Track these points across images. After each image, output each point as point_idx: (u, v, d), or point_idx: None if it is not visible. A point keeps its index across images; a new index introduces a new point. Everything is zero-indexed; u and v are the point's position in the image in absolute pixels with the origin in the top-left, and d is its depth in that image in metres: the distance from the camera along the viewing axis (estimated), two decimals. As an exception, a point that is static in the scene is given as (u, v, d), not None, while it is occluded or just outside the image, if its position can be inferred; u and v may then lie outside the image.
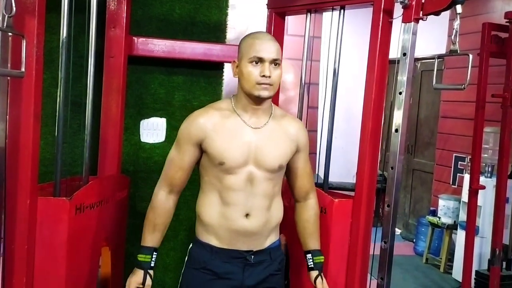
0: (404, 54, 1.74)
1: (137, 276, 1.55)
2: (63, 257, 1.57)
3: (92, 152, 2.04)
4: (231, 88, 5.80)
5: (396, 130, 1.77)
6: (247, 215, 1.54)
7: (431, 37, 4.87)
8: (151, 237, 1.57)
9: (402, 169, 5.45)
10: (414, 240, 4.77)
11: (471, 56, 1.56)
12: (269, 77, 1.47)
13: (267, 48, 1.49)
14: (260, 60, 1.48)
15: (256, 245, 1.59)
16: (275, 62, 1.50)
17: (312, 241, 1.70)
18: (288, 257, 2.01)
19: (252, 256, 1.58)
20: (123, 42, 2.00)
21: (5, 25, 1.28)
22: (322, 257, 1.70)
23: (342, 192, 2.04)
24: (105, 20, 2.00)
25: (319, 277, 1.66)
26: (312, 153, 6.30)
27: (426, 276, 4.00)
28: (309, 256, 1.69)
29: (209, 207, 1.57)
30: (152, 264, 1.57)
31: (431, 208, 4.53)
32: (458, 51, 1.59)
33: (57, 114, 1.71)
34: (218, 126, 1.52)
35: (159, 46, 2.13)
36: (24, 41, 1.31)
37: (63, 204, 1.56)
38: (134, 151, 2.24)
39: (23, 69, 1.31)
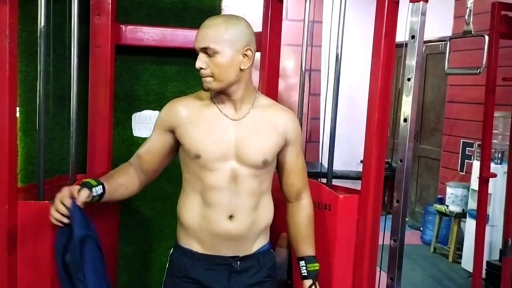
0: (413, 37, 1.61)
1: (73, 188, 1.34)
2: (48, 265, 1.45)
3: (81, 149, 1.94)
4: None
5: (405, 120, 1.64)
6: (230, 216, 1.40)
7: (436, 18, 4.71)
8: (103, 177, 1.45)
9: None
10: (421, 229, 4.67)
11: (487, 37, 1.42)
12: (201, 69, 1.36)
13: (199, 36, 1.36)
14: (196, 50, 1.38)
15: (242, 250, 1.45)
16: (207, 52, 1.34)
17: (305, 247, 1.55)
18: (291, 257, 1.90)
19: (238, 262, 1.45)
20: (109, 30, 1.86)
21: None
22: (317, 264, 1.55)
23: (346, 187, 1.91)
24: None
25: (313, 287, 1.52)
26: (315, 141, 6.19)
27: (434, 266, 3.89)
28: (302, 263, 1.54)
29: (189, 208, 1.44)
30: (94, 192, 1.36)
31: (439, 196, 4.41)
32: (472, 32, 1.45)
33: (37, 109, 1.59)
34: (195, 115, 1.41)
35: (149, 34, 1.99)
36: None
37: (46, 208, 1.44)
38: (126, 147, 2.11)
39: (-9, 63, 1.18)
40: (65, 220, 1.29)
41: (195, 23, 2.14)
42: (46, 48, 1.57)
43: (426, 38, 5.12)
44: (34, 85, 1.97)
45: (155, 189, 2.15)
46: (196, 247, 1.44)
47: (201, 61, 1.35)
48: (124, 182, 1.47)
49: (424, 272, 3.72)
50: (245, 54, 1.38)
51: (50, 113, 1.95)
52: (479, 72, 1.39)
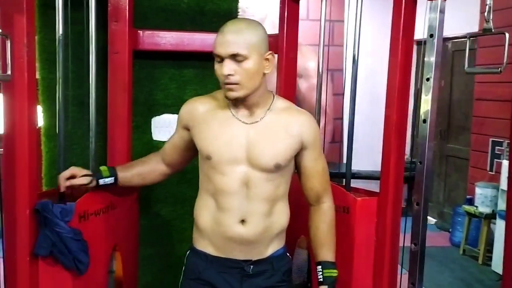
0: (431, 36, 1.56)
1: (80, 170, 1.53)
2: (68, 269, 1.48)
3: (102, 152, 1.97)
4: None
5: (424, 121, 1.60)
6: (242, 221, 1.39)
7: (463, 14, 4.59)
8: (121, 167, 1.59)
9: (435, 156, 5.16)
10: (450, 230, 4.55)
11: (507, 35, 1.37)
12: (230, 75, 1.30)
13: (225, 42, 1.29)
14: (220, 58, 1.32)
15: (255, 254, 1.44)
16: (236, 58, 1.30)
17: (323, 252, 1.50)
18: (310, 260, 1.88)
19: (251, 266, 1.44)
20: (127, 36, 1.88)
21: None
22: (335, 271, 1.49)
23: (366, 189, 1.88)
24: (108, 14, 1.90)
25: None
26: (338, 141, 6.12)
27: (463, 268, 3.79)
28: (319, 268, 1.49)
29: (203, 210, 1.45)
30: (101, 182, 1.53)
31: (468, 197, 4.29)
32: (492, 30, 1.40)
33: (57, 115, 1.62)
34: (209, 116, 1.41)
35: (166, 39, 2.01)
36: (9, 41, 1.21)
37: (65, 212, 1.47)
38: (146, 150, 2.13)
39: (9, 72, 1.21)
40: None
41: (212, 27, 2.16)
42: (64, 55, 1.60)
43: (452, 34, 5.01)
44: (55, 90, 2.03)
45: (175, 192, 2.17)
46: (209, 250, 1.45)
47: (228, 68, 1.29)
48: (142, 172, 1.58)
49: (452, 275, 3.63)
50: (267, 59, 1.37)
51: (72, 118, 2.01)
52: (500, 71, 1.34)
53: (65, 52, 1.94)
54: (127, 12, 1.88)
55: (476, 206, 3.96)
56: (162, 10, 2.12)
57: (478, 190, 3.96)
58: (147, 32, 1.98)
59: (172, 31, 2.03)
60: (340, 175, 5.23)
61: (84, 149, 1.99)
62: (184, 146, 1.52)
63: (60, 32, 1.56)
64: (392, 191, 1.67)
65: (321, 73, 2.00)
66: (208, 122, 1.40)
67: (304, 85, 5.07)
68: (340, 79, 5.31)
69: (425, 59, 1.58)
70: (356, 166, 5.54)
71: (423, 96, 1.59)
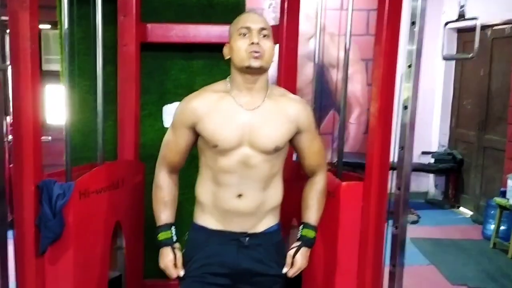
0: (413, 23, 1.59)
1: (167, 255, 1.55)
2: (71, 239, 1.65)
3: (115, 138, 2.14)
4: None
5: (405, 107, 1.63)
6: (239, 195, 1.51)
7: (503, 0, 4.42)
8: (165, 215, 1.59)
9: (472, 147, 5.02)
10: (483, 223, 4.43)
11: None
12: (258, 44, 1.44)
13: (253, 18, 1.48)
14: (248, 30, 1.45)
15: (250, 227, 1.55)
16: (264, 33, 1.46)
17: (308, 214, 1.63)
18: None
19: (247, 238, 1.55)
20: (134, 29, 2.03)
21: None
22: (313, 232, 1.61)
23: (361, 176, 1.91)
24: (118, 9, 2.05)
25: (296, 248, 1.59)
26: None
27: (491, 261, 3.70)
28: (300, 227, 1.63)
29: (204, 187, 1.57)
30: (175, 239, 1.58)
31: (502, 189, 4.16)
32: None
33: (64, 104, 1.79)
34: (212, 109, 1.50)
35: (173, 31, 2.14)
36: (7, 36, 1.37)
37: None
38: (157, 137, 2.26)
39: (8, 63, 1.38)
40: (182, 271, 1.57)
41: (220, 19, 2.27)
42: (70, 48, 1.76)
43: (490, 21, 4.86)
44: (74, 81, 2.22)
45: (185, 177, 2.29)
46: (209, 223, 1.57)
47: (257, 38, 1.44)
48: (176, 198, 1.64)
49: (478, 268, 3.55)
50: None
51: (89, 107, 2.19)
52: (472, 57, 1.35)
53: (81, 45, 2.15)
54: (135, 6, 2.03)
55: (508, 199, 3.83)
56: (172, 4, 2.25)
57: (509, 182, 3.84)
58: (154, 25, 2.12)
59: (179, 24, 2.16)
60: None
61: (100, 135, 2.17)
62: (190, 145, 1.58)
63: (66, 26, 1.71)
64: (376, 176, 1.71)
65: (347, 64, 1.96)
66: (212, 114, 1.50)
67: (337, 75, 5.09)
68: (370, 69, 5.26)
69: (407, 47, 1.60)
70: (390, 157, 5.47)
71: (404, 83, 1.62)
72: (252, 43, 1.43)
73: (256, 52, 1.43)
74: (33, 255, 1.61)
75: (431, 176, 5.68)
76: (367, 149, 1.75)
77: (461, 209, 5.28)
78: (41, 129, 1.62)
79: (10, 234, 1.64)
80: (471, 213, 5.04)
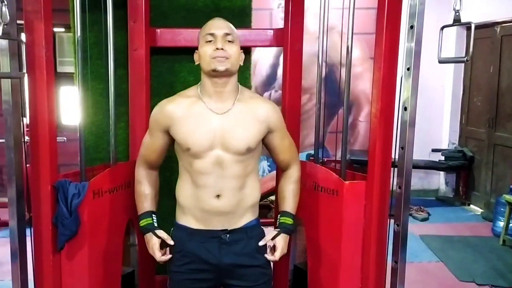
0: (412, 27, 1.63)
1: (150, 239, 1.64)
2: (86, 236, 1.73)
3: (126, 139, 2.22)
4: (262, 78, 5.72)
5: (405, 108, 1.67)
6: (218, 196, 1.58)
7: (513, -3, 4.41)
8: (145, 204, 1.69)
9: (482, 145, 5.00)
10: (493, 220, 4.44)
11: None
12: (222, 49, 1.51)
13: (218, 25, 1.56)
14: (213, 36, 1.54)
15: (231, 224, 1.62)
16: (228, 39, 1.53)
17: (284, 204, 1.72)
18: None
19: (227, 235, 1.62)
20: (144, 34, 2.11)
21: (10, 33, 1.43)
22: (290, 219, 1.69)
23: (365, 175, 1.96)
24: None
25: (275, 233, 1.66)
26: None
27: (500, 258, 3.71)
28: (278, 216, 1.72)
29: (183, 189, 1.64)
30: (156, 224, 1.67)
31: (511, 186, 4.17)
32: None
33: (78, 107, 1.87)
34: (184, 114, 1.57)
35: (181, 36, 2.21)
36: (23, 45, 1.45)
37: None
38: (167, 137, 2.37)
39: (24, 71, 1.46)
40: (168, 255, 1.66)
41: (226, 23, 2.33)
42: (82, 54, 1.83)
43: (500, 18, 4.83)
44: (90, 85, 2.30)
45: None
46: (190, 223, 1.64)
47: (221, 43, 1.52)
48: (156, 192, 1.75)
49: (487, 264, 3.57)
50: (241, 50, 1.59)
51: (101, 109, 2.27)
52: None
53: (94, 49, 2.23)
54: (144, 12, 2.10)
55: (516, 196, 3.85)
56: (180, 8, 2.32)
57: (519, 179, 3.85)
58: (163, 30, 2.19)
59: (186, 28, 2.23)
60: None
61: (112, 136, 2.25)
62: (165, 146, 1.68)
63: (78, 34, 1.80)
64: (378, 175, 1.76)
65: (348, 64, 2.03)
66: (185, 119, 1.58)
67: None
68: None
69: (406, 49, 1.65)
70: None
71: (404, 84, 1.67)
72: (217, 49, 1.51)
73: (221, 57, 1.51)
74: (50, 251, 1.69)
75: (442, 174, 5.69)
76: (369, 149, 1.80)
77: (472, 206, 5.28)
78: (56, 131, 1.70)
79: (28, 232, 1.72)
80: (481, 210, 5.05)
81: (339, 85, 5.07)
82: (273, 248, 1.66)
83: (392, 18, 1.70)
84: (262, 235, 1.69)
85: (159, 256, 1.64)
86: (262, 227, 1.73)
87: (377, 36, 1.73)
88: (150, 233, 1.65)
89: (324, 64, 2.13)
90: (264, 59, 5.15)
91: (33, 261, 1.72)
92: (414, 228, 4.43)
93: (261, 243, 1.66)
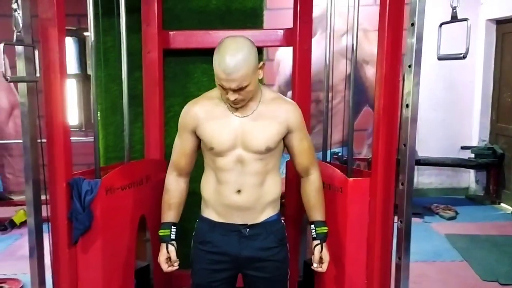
0: (412, 24, 1.64)
1: (162, 250, 1.72)
2: (99, 230, 1.82)
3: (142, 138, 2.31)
4: (285, 77, 5.67)
5: (407, 105, 1.68)
6: (238, 191, 1.63)
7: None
8: (168, 215, 1.74)
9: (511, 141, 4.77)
10: (522, 219, 4.32)
11: None
12: (236, 100, 1.54)
13: (229, 79, 1.49)
14: (224, 88, 1.53)
15: (250, 219, 1.67)
16: (239, 88, 1.50)
17: (315, 213, 1.73)
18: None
19: (247, 230, 1.67)
20: (157, 37, 2.19)
21: (23, 39, 1.53)
22: (325, 228, 1.71)
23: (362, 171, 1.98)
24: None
25: (319, 246, 1.69)
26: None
27: (527, 258, 3.62)
28: (312, 226, 1.73)
29: (207, 184, 1.71)
30: (173, 237, 1.72)
31: (542, 184, 4.04)
32: None
33: (92, 108, 1.96)
34: (209, 115, 1.63)
35: (193, 38, 2.28)
36: (36, 51, 1.55)
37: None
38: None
39: (37, 75, 1.55)
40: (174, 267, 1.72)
41: (238, 24, 2.39)
42: (96, 58, 1.92)
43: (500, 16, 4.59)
44: (107, 87, 2.41)
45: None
46: (213, 216, 1.71)
47: (235, 95, 1.52)
48: (182, 201, 1.78)
49: (511, 264, 3.49)
50: (260, 68, 1.59)
51: (119, 110, 2.37)
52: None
53: (111, 53, 2.33)
54: (156, 16, 2.19)
55: (546, 194, 3.73)
56: (193, 11, 2.40)
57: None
58: (176, 33, 2.26)
59: (199, 30, 2.30)
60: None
61: (130, 136, 2.34)
62: (195, 148, 1.72)
63: (92, 39, 1.89)
64: (382, 172, 1.77)
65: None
66: (209, 120, 1.64)
67: (371, 71, 5.08)
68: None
69: (407, 47, 1.66)
70: (427, 153, 5.41)
71: (406, 82, 1.67)
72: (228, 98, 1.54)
73: (234, 103, 1.55)
74: (66, 244, 1.79)
75: (472, 172, 5.56)
76: (372, 146, 1.81)
77: (502, 205, 5.14)
78: (70, 131, 1.79)
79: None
80: (511, 209, 4.91)
81: (370, 82, 5.06)
82: (320, 260, 1.70)
83: (395, 15, 1.71)
84: (282, 230, 1.75)
85: (166, 267, 1.71)
86: (282, 221, 1.77)
87: (379, 34, 1.74)
88: (164, 245, 1.71)
89: (349, 62, 2.12)
90: (288, 58, 5.16)
91: (51, 254, 1.82)
92: (440, 227, 4.37)
93: (314, 267, 1.70)
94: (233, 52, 1.49)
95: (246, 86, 1.52)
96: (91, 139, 4.13)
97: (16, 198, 4.88)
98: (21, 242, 3.89)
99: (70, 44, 4.79)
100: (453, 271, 3.41)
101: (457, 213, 4.82)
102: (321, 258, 1.70)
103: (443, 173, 5.59)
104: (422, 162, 4.96)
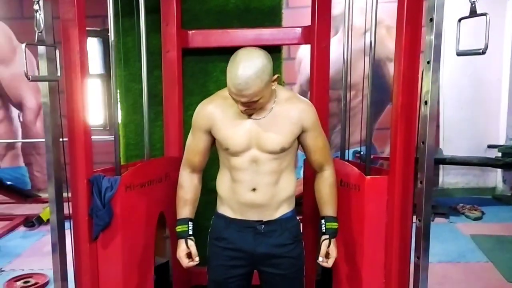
0: (431, 20, 1.61)
1: (181, 246, 1.73)
2: (118, 226, 1.86)
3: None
4: (307, 76, 5.61)
5: (426, 102, 1.65)
6: (253, 189, 1.64)
7: None
8: (184, 210, 1.75)
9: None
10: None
11: None
12: (245, 110, 1.55)
13: (240, 95, 1.50)
14: (236, 100, 1.54)
15: (266, 216, 1.68)
16: (250, 102, 1.51)
17: (326, 208, 1.72)
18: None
19: (262, 226, 1.68)
20: (176, 37, 2.21)
21: (44, 40, 1.58)
22: (335, 224, 1.70)
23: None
24: (162, 19, 2.24)
25: (326, 240, 1.68)
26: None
27: (555, 260, 3.51)
28: (322, 221, 1.72)
29: (222, 182, 1.72)
30: (190, 232, 1.73)
31: None
32: None
33: (112, 108, 2.00)
34: (224, 115, 1.64)
35: (212, 37, 2.30)
36: (57, 50, 1.59)
37: (114, 183, 1.85)
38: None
39: (58, 74, 1.60)
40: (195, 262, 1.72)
41: (257, 22, 2.40)
42: (116, 58, 1.96)
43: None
44: (129, 86, 2.45)
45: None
46: (228, 213, 1.72)
47: (246, 107, 1.54)
48: (197, 197, 1.80)
49: (540, 266, 3.39)
50: (273, 80, 1.58)
51: (141, 108, 2.40)
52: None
53: (132, 53, 2.37)
54: (175, 15, 2.21)
55: None
56: (211, 10, 2.41)
57: None
58: (195, 32, 2.28)
59: (218, 29, 2.31)
60: (437, 161, 5.07)
61: (151, 134, 2.38)
62: (209, 146, 1.74)
63: (112, 38, 1.92)
64: (400, 170, 1.75)
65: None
66: (224, 121, 1.65)
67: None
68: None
69: (426, 43, 1.63)
70: (453, 152, 5.30)
71: (424, 78, 1.65)
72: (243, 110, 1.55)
73: (245, 112, 1.57)
74: (87, 240, 1.84)
75: (499, 171, 5.42)
76: (390, 144, 1.80)
77: (531, 205, 5.00)
78: (90, 129, 1.83)
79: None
80: (541, 209, 4.77)
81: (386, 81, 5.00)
82: (327, 255, 1.69)
83: (413, 11, 1.68)
84: (297, 226, 1.75)
85: (186, 262, 1.71)
86: (297, 218, 1.77)
87: (397, 30, 1.72)
88: (183, 240, 1.72)
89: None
90: (309, 57, 5.15)
91: (72, 249, 1.87)
92: (465, 228, 4.28)
93: (320, 260, 1.68)
94: (245, 69, 1.47)
95: (257, 100, 1.52)
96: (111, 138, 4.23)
97: (43, 195, 5.01)
98: (47, 238, 3.94)
99: (94, 44, 4.89)
100: (477, 272, 3.33)
101: (483, 213, 4.71)
102: (328, 253, 1.68)
103: (470, 172, 5.47)
104: (448, 161, 4.87)
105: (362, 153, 4.19)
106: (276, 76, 1.57)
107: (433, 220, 4.47)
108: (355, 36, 2.26)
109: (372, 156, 2.26)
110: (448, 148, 5.22)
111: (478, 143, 5.35)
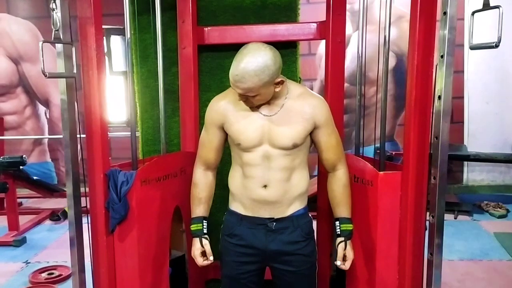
0: (445, 13, 1.59)
1: (195, 244, 1.75)
2: (134, 220, 1.90)
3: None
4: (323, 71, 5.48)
5: (439, 97, 1.63)
6: (265, 186, 1.65)
7: None
8: (199, 209, 1.77)
9: None
10: None
11: None
12: (243, 100, 1.57)
13: (238, 87, 1.52)
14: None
15: (277, 213, 1.68)
16: (250, 95, 1.53)
17: (340, 210, 1.71)
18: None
19: (274, 223, 1.68)
20: (191, 33, 2.24)
21: (61, 38, 1.62)
22: (351, 225, 1.69)
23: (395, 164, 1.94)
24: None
25: (343, 243, 1.67)
26: (458, 122, 5.75)
27: None
28: (337, 223, 1.71)
29: (234, 178, 1.73)
30: (205, 231, 1.75)
31: None
32: None
33: (128, 103, 2.04)
34: (236, 110, 1.65)
35: (228, 33, 2.31)
36: (74, 48, 1.63)
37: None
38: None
39: (75, 71, 1.64)
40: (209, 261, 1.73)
41: (273, 18, 2.40)
42: (134, 55, 2.00)
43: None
44: (147, 82, 2.49)
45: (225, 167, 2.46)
46: (240, 209, 1.73)
47: (243, 98, 1.57)
48: (211, 195, 1.82)
49: None
50: (276, 83, 1.57)
51: (159, 104, 2.44)
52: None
53: (150, 49, 2.40)
54: (191, 12, 2.23)
55: None
56: (228, 7, 2.42)
57: None
58: (211, 28, 2.30)
59: (234, 26, 2.32)
60: (460, 157, 4.96)
61: (168, 130, 2.42)
62: (223, 143, 1.76)
63: (128, 35, 1.96)
64: (414, 166, 1.73)
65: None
66: (235, 116, 1.66)
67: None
68: (459, 55, 5.01)
69: (440, 37, 1.61)
70: (478, 148, 5.20)
71: (438, 73, 1.63)
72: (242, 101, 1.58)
73: (247, 104, 1.60)
74: (104, 232, 1.88)
75: (526, 168, 5.29)
76: (404, 139, 1.78)
77: (559, 203, 4.86)
78: (107, 125, 1.88)
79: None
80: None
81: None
82: (344, 258, 1.68)
83: (427, 4, 1.66)
84: (309, 223, 1.74)
85: (201, 261, 1.72)
86: (310, 215, 1.77)
87: (411, 23, 1.70)
88: (197, 239, 1.73)
89: (391, 54, 2.09)
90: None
91: (90, 242, 1.92)
92: (489, 225, 4.20)
93: (338, 264, 1.68)
94: (247, 63, 1.49)
95: (253, 96, 1.54)
96: (136, 134, 4.30)
97: (69, 190, 5.13)
98: (72, 231, 4.10)
99: (117, 42, 4.97)
100: (499, 270, 3.27)
101: (508, 211, 4.61)
102: (344, 255, 1.68)
103: (496, 169, 5.35)
104: (472, 158, 4.77)
105: (382, 149, 4.16)
106: (279, 79, 1.56)
107: (456, 218, 4.41)
108: (377, 31, 2.23)
109: (394, 153, 2.24)
110: (473, 144, 5.11)
111: (504, 139, 5.23)
